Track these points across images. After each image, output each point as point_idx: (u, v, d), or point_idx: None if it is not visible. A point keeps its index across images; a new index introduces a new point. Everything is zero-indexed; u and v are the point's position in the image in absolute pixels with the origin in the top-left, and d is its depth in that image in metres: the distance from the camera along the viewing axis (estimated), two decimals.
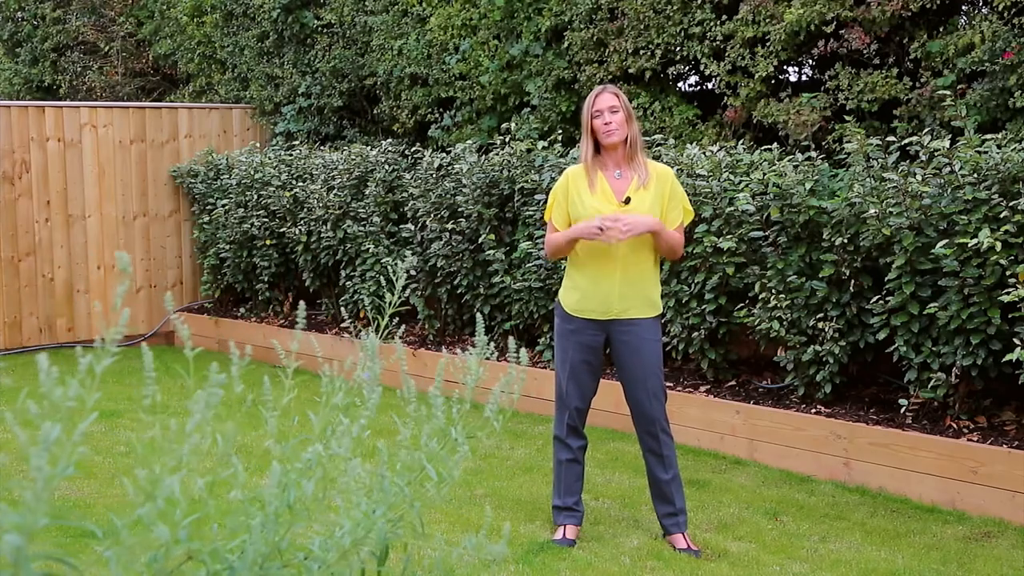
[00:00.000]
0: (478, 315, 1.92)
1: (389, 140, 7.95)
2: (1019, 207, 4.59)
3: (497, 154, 6.76)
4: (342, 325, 7.92)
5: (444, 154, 7.30)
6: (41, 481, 1.13)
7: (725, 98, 6.49)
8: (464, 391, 1.64)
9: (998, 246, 4.50)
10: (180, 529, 1.31)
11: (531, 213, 6.49)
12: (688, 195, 5.46)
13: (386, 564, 1.47)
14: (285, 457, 1.44)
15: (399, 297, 1.86)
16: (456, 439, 1.53)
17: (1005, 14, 5.43)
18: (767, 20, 6.17)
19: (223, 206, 8.49)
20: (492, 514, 4.66)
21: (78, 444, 1.20)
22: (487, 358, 1.73)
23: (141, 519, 1.23)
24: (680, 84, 7.18)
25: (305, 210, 7.95)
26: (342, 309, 2.37)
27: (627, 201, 4.19)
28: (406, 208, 7.36)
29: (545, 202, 6.18)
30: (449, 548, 1.50)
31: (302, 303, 1.71)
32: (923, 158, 5.06)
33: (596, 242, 4.15)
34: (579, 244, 4.24)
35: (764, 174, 5.53)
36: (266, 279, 8.37)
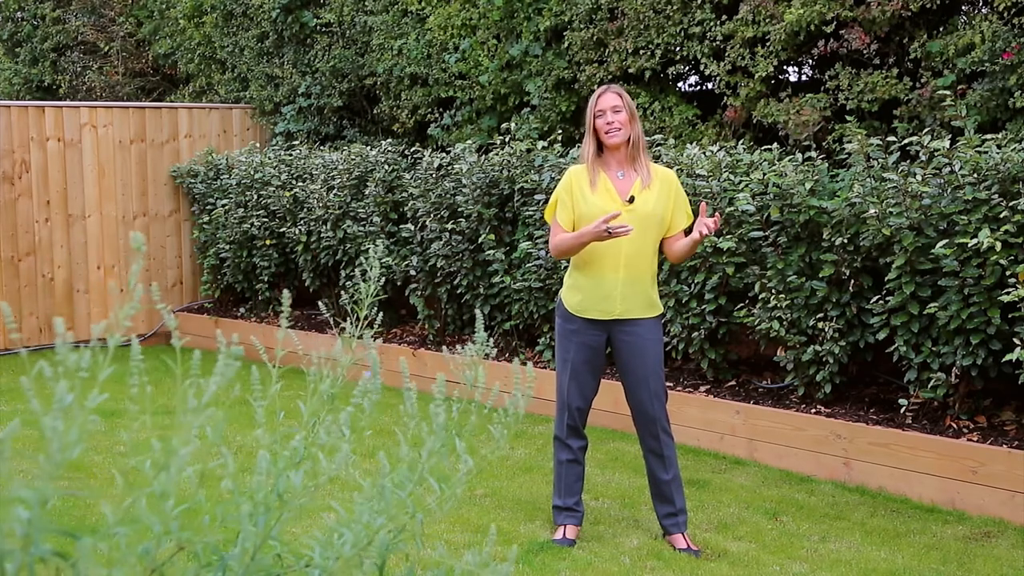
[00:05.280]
0: (477, 312, 1.91)
1: (389, 140, 7.95)
2: (1019, 207, 4.59)
3: (497, 154, 6.76)
4: (341, 326, 7.93)
5: (444, 154, 7.30)
6: (56, 443, 1.12)
7: (725, 98, 6.49)
8: (464, 391, 1.64)
9: (998, 246, 4.50)
10: (171, 520, 1.31)
11: (531, 213, 6.49)
12: (688, 195, 5.47)
13: (387, 570, 1.47)
14: (272, 446, 1.44)
15: (377, 286, 1.86)
16: (460, 453, 1.53)
17: (1005, 14, 5.43)
18: (767, 20, 6.17)
19: (223, 206, 8.49)
20: (492, 514, 4.67)
21: (89, 411, 1.20)
22: (486, 356, 1.73)
23: (131, 512, 1.23)
24: (680, 84, 7.18)
25: (305, 210, 7.96)
26: (321, 303, 2.36)
27: (631, 200, 4.19)
28: (406, 208, 7.36)
29: (546, 202, 6.18)
30: (452, 562, 1.50)
31: (286, 292, 1.71)
32: (923, 158, 5.06)
33: (600, 242, 4.14)
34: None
35: (764, 174, 5.53)
36: (266, 279, 8.38)
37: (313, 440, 1.49)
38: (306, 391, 1.62)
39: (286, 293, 1.66)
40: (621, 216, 4.13)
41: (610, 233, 4.02)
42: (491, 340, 7.41)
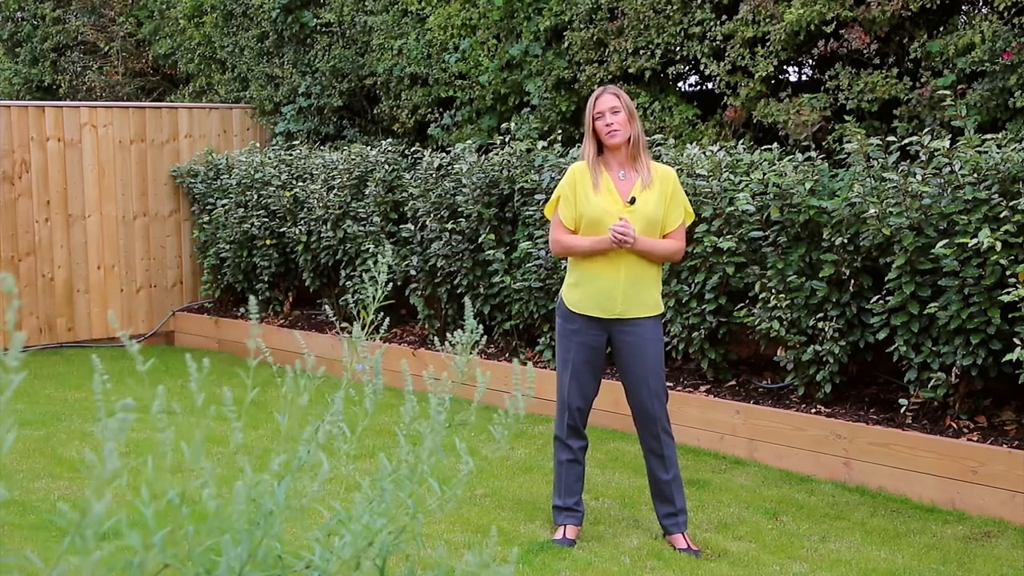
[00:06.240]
0: (466, 301, 1.90)
1: (389, 140, 7.95)
2: (1019, 207, 4.59)
3: (497, 154, 6.76)
4: (342, 326, 7.92)
5: (444, 154, 7.30)
6: None
7: (725, 98, 6.49)
8: (459, 388, 1.64)
9: (998, 246, 4.50)
10: (154, 537, 1.30)
11: (531, 213, 6.49)
12: (688, 195, 5.47)
13: (387, 571, 1.47)
14: (253, 465, 1.43)
15: (384, 292, 1.86)
16: (461, 453, 1.52)
17: (1005, 14, 5.43)
18: (767, 20, 6.17)
19: (223, 206, 8.49)
20: (492, 514, 4.67)
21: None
22: (488, 357, 1.73)
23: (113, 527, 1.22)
24: (680, 84, 7.18)
25: (305, 210, 7.96)
26: (326, 307, 2.36)
27: (632, 201, 4.20)
28: (406, 208, 7.36)
29: (546, 201, 6.18)
30: (452, 562, 1.50)
31: (252, 298, 1.70)
32: (923, 158, 5.06)
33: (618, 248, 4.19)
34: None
35: (764, 174, 5.53)
36: (266, 279, 8.38)
37: (301, 444, 1.48)
38: (310, 392, 1.61)
39: (252, 300, 1.64)
40: (625, 217, 4.17)
41: (618, 243, 4.12)
42: (490, 339, 7.34)
